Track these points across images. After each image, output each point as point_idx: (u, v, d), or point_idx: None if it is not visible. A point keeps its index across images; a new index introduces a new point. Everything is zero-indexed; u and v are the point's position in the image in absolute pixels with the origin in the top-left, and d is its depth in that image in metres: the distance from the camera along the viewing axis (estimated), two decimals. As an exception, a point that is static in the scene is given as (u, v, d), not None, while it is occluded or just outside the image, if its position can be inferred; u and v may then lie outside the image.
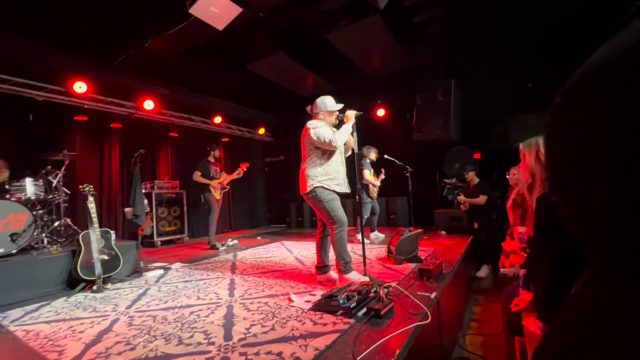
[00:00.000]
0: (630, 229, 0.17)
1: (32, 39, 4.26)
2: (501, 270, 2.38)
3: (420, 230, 3.76)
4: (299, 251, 4.52)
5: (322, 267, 2.87)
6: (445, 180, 5.38)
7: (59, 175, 4.00)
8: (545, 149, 0.24)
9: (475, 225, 4.64)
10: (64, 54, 4.63)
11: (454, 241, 4.44)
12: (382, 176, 5.08)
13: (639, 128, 0.18)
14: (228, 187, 5.53)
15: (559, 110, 0.22)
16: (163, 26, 4.14)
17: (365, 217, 5.02)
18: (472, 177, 4.78)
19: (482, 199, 4.50)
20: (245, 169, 5.40)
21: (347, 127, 2.74)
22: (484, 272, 4.23)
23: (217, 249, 5.00)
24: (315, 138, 2.67)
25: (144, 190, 3.91)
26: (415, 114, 5.81)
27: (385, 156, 5.17)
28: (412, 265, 3.18)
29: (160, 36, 4.27)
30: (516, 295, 1.64)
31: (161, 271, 3.60)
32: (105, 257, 3.13)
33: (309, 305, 2.16)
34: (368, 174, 4.91)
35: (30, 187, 3.55)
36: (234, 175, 5.41)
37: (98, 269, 2.99)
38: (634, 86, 0.19)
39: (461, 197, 4.75)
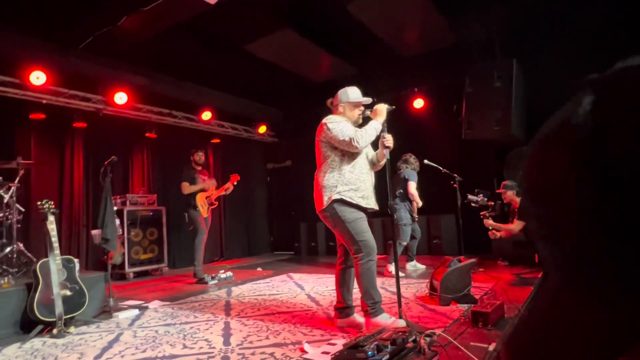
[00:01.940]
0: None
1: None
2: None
3: (473, 260, 3.74)
4: (313, 287, 4.58)
5: (343, 308, 2.90)
6: (469, 197, 4.93)
7: (12, 188, 4.20)
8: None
9: (537, 258, 4.57)
10: (16, 36, 4.89)
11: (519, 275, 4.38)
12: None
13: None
14: (216, 203, 5.66)
15: (526, 163, 0.36)
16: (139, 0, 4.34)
17: (404, 243, 5.04)
18: (511, 197, 4.74)
19: (515, 226, 4.46)
20: (235, 183, 5.51)
21: (376, 125, 2.81)
22: None
23: (206, 283, 5.10)
24: (332, 135, 2.74)
25: (114, 208, 4.05)
26: (464, 104, 5.82)
27: (425, 161, 5.19)
28: (463, 307, 3.18)
29: (136, 12, 4.48)
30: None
31: (136, 311, 3.71)
32: (68, 293, 3.24)
33: (328, 358, 2.19)
34: (414, 187, 4.96)
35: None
36: (222, 191, 5.54)
37: (59, 308, 3.10)
38: (548, 164, 0.31)
39: (488, 222, 4.68)
